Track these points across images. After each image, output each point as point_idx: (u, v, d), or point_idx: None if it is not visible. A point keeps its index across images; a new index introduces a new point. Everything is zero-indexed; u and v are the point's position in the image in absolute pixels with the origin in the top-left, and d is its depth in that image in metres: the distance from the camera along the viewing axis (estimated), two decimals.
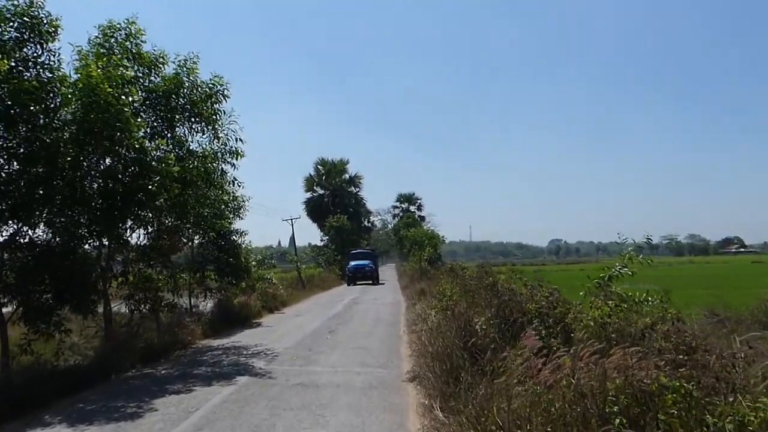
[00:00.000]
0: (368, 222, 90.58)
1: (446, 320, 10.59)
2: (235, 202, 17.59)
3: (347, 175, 60.15)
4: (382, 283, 38.81)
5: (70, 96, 9.03)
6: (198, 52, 11.81)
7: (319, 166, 60.00)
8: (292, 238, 47.81)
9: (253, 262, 19.46)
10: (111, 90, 8.99)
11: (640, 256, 9.71)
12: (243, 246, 18.36)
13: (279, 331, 14.51)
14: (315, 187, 60.39)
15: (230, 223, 17.23)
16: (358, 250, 45.25)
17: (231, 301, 18.42)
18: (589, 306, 7.64)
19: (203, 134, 12.34)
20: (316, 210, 58.60)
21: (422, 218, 78.77)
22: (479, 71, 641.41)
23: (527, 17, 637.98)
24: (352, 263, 40.18)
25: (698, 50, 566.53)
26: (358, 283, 39.06)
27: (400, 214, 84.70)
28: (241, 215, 17.88)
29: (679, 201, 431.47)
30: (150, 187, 9.83)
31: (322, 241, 53.68)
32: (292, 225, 52.38)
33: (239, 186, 14.57)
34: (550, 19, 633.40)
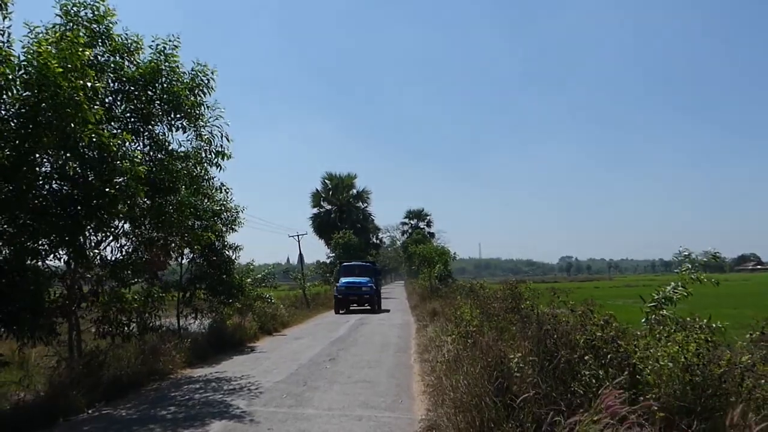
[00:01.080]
0: (377, 239, 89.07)
1: (466, 351, 8.87)
2: (228, 213, 16.03)
3: (355, 190, 58.64)
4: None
5: (12, 77, 7.45)
6: (179, 35, 10.25)
7: (326, 181, 58.56)
8: (300, 255, 46.20)
9: (249, 280, 17.77)
10: (62, 70, 7.41)
11: (695, 273, 8.05)
12: (236, 262, 16.68)
13: (273, 358, 12.77)
14: (322, 203, 58.89)
15: (220, 236, 15.59)
16: (354, 263, 33.35)
17: (224, 322, 16.74)
18: (655, 338, 5.93)
19: (185, 132, 10.77)
20: (323, 226, 57.01)
21: (432, 234, 77.15)
22: (489, 88, 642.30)
23: (537, 34, 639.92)
24: (344, 280, 29.44)
25: (709, 65, 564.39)
26: (351, 309, 29.49)
27: (409, 230, 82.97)
28: (234, 227, 16.28)
29: (693, 217, 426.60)
30: (108, 189, 8.18)
31: (328, 257, 52.01)
32: (299, 241, 50.68)
33: (227, 192, 12.98)
34: (559, 35, 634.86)
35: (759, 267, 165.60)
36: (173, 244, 12.42)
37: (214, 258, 15.87)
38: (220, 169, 11.49)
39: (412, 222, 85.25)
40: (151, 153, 10.65)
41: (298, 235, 53.38)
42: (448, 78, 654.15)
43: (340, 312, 28.19)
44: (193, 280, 15.62)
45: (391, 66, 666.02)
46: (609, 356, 5.45)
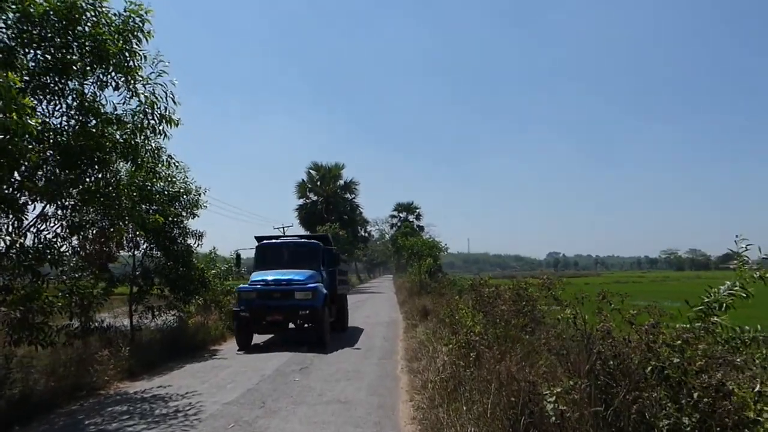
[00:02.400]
0: (365, 232, 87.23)
1: (468, 369, 6.91)
2: (188, 196, 13.92)
3: (342, 181, 56.63)
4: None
5: None
6: None
7: (312, 171, 56.45)
8: None
9: (213, 272, 15.66)
10: None
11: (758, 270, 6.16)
12: (196, 252, 14.55)
13: (233, 367, 10.71)
14: (308, 194, 56.79)
15: (177, 221, 13.47)
16: (283, 240, 16.73)
17: (185, 322, 14.66)
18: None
19: (116, 89, 8.65)
20: (309, 218, 54.88)
21: (421, 228, 75.23)
22: (479, 84, 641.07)
23: (527, 31, 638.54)
24: (260, 276, 14.33)
25: (696, 64, 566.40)
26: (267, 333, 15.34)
27: (398, 223, 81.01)
28: (195, 212, 14.17)
29: (678, 215, 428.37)
30: None
31: None
32: (284, 233, 48.75)
33: (176, 166, 10.88)
34: (549, 33, 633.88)
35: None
36: (112, 231, 10.30)
37: (173, 247, 13.75)
38: (165, 137, 9.41)
39: (401, 215, 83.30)
40: (77, 116, 8.54)
41: (283, 227, 51.40)
42: (437, 73, 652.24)
43: (240, 351, 13.32)
44: (146, 273, 13.48)
45: (378, 60, 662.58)
46: (701, 398, 3.46)
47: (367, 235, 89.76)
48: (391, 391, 8.64)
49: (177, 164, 11.10)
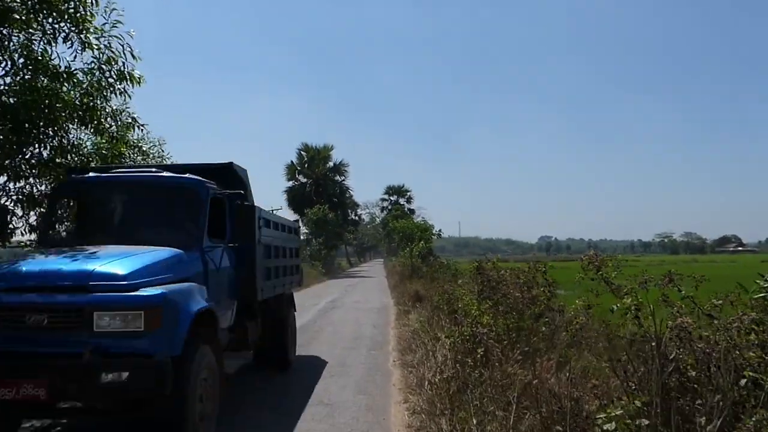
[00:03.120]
0: (355, 215, 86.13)
1: (477, 370, 5.78)
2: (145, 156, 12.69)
3: (332, 163, 55.30)
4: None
5: None
6: None
7: (302, 153, 55.02)
8: None
9: None
10: None
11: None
12: None
13: None
14: (297, 176, 55.43)
15: None
16: (116, 175, 6.35)
17: None
18: None
19: (66, 42, 7.41)
20: (297, 200, 53.56)
21: (412, 211, 74.43)
22: (469, 63, 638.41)
23: (520, 7, 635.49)
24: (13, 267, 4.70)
25: (693, 45, 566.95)
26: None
27: (389, 207, 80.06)
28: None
29: (673, 198, 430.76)
30: None
31: (303, 234, 48.62)
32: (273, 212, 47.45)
33: (141, 130, 9.64)
34: (543, 9, 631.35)
35: (740, 248, 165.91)
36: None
37: None
38: (124, 96, 8.18)
39: (392, 198, 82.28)
40: (23, 72, 7.30)
41: (272, 210, 50.05)
42: (426, 53, 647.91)
43: None
44: None
45: (366, 39, 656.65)
46: None
47: (357, 218, 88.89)
48: (382, 389, 7.50)
49: (142, 127, 9.83)
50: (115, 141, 8.78)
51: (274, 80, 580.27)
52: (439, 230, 34.13)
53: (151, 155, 12.48)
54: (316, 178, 53.91)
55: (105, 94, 8.04)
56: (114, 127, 8.89)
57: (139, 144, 12.28)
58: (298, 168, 54.77)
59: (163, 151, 12.71)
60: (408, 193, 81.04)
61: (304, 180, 54.81)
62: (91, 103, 7.86)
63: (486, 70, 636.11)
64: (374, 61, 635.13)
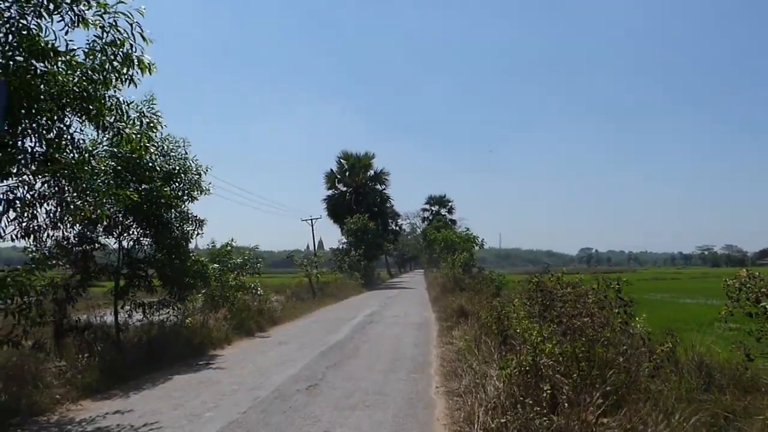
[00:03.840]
0: (396, 225, 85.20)
1: (543, 414, 4.54)
2: (187, 176, 11.83)
3: (372, 171, 54.36)
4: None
5: None
6: None
7: (342, 161, 54.32)
8: (320, 242, 42.27)
9: (215, 266, 13.55)
10: None
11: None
12: (192, 240, 12.36)
13: (223, 383, 8.51)
14: (337, 184, 54.72)
15: (169, 203, 11.34)
16: None
17: (182, 322, 12.58)
18: None
19: (56, 13, 6.48)
20: (337, 209, 52.83)
21: (453, 222, 73.08)
22: (513, 76, 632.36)
23: (565, 20, 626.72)
24: None
25: (736, 53, 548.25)
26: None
27: (430, 217, 78.85)
28: (192, 194, 12.05)
29: (713, 210, 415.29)
30: None
31: (342, 244, 47.72)
32: (312, 225, 46.86)
33: (154, 127, 8.74)
34: (588, 23, 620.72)
35: None
36: (77, 208, 8.15)
37: (167, 235, 11.67)
38: (130, 83, 7.26)
39: (433, 208, 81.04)
40: (12, 53, 6.43)
41: (311, 219, 49.33)
42: (468, 67, 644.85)
43: None
44: (132, 264, 11.41)
45: (409, 53, 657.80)
46: None
47: (398, 228, 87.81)
48: (424, 427, 6.30)
49: (158, 125, 8.87)
50: (120, 137, 7.85)
51: (318, 91, 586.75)
52: (482, 240, 32.58)
53: (172, 156, 11.65)
54: (356, 186, 53.08)
55: (107, 79, 7.11)
56: (122, 121, 7.97)
57: (162, 144, 11.58)
58: (338, 176, 54.06)
59: (186, 152, 11.86)
60: (449, 204, 79.73)
61: (344, 189, 54.05)
62: (91, 89, 6.95)
63: (530, 83, 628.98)
64: (417, 73, 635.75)
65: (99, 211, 8.73)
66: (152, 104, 11.16)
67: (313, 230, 48.48)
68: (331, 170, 54.26)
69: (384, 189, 55.52)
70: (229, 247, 16.04)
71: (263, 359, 10.63)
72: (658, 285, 41.24)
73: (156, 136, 11.43)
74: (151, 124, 11.09)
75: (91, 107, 6.93)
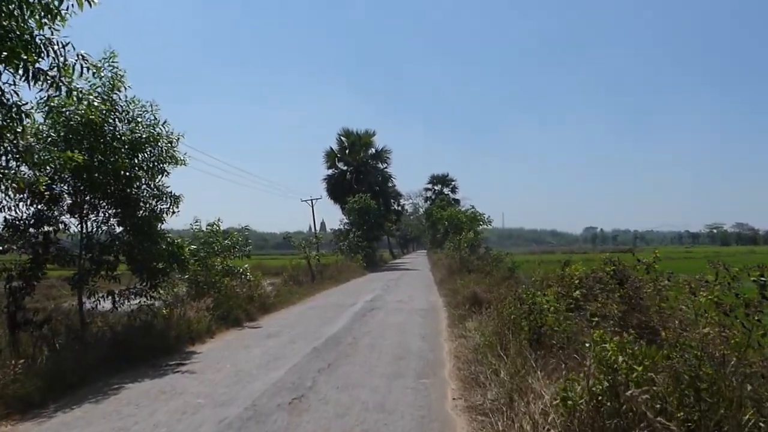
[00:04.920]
0: (398, 205, 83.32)
1: None
2: (157, 145, 10.19)
3: (373, 149, 52.38)
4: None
5: None
6: None
7: (342, 138, 52.32)
8: (322, 223, 40.68)
9: (193, 247, 11.91)
10: None
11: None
12: (163, 219, 10.71)
13: (188, 394, 6.92)
14: (337, 163, 52.77)
15: (134, 174, 9.68)
16: None
17: (158, 313, 10.99)
18: None
19: None
20: (337, 188, 51.03)
21: (456, 201, 71.44)
22: (514, 58, 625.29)
23: (564, 3, 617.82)
24: None
25: (748, 31, 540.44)
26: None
27: (433, 197, 77.04)
28: (164, 167, 10.42)
29: (722, 188, 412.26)
30: None
31: (343, 225, 46.09)
32: (312, 206, 45.25)
33: (115, 87, 7.11)
34: (586, 4, 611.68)
35: None
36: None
37: (134, 214, 10.03)
38: (58, 20, 5.59)
39: (435, 188, 79.14)
40: None
41: (311, 200, 47.60)
42: (472, 47, 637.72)
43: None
44: (91, 247, 9.79)
45: (412, 33, 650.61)
46: None
47: (400, 208, 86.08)
48: None
49: (118, 83, 7.16)
50: (60, 91, 6.20)
51: (320, 71, 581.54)
52: (489, 218, 30.80)
53: (140, 123, 9.99)
54: (357, 165, 51.23)
55: (32, 9, 5.44)
56: (64, 72, 6.29)
57: (127, 109, 9.92)
58: (338, 155, 52.15)
59: (156, 118, 10.18)
60: (453, 183, 77.90)
61: (344, 167, 52.20)
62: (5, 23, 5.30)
63: (532, 59, 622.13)
64: (419, 53, 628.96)
65: (37, 176, 7.13)
66: (113, 62, 9.69)
67: (313, 211, 46.68)
68: (331, 148, 52.34)
69: (386, 168, 53.69)
70: (215, 227, 14.41)
71: (245, 358, 9.04)
72: (673, 265, 39.54)
73: (120, 98, 9.91)
74: (112, 84, 9.50)
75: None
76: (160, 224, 10.66)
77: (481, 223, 30.62)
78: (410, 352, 9.42)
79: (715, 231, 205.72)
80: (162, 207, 10.74)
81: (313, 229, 48.09)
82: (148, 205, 10.51)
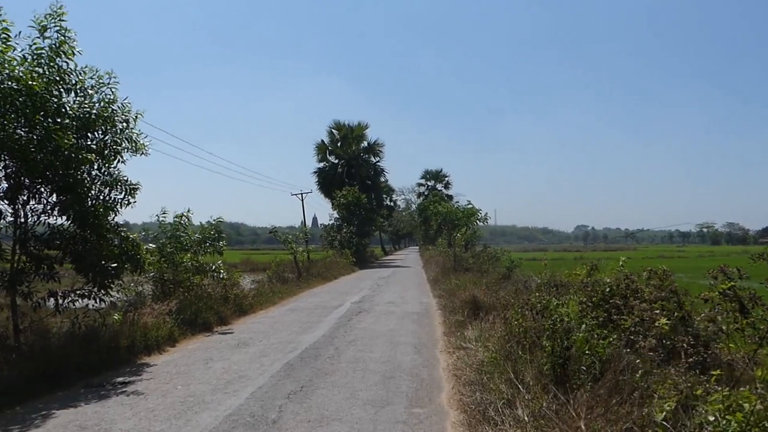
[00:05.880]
0: (390, 200, 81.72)
1: None
2: (112, 125, 8.71)
3: (366, 142, 50.72)
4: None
5: None
6: None
7: (333, 131, 50.64)
8: (314, 218, 39.06)
9: (151, 246, 10.38)
10: None
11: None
12: (116, 211, 9.19)
13: (121, 427, 5.44)
14: (329, 156, 51.09)
15: (78, 156, 8.14)
16: None
17: (108, 317, 9.48)
18: None
19: None
20: (328, 182, 49.37)
21: (450, 197, 69.96)
22: (507, 53, 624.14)
23: None
24: None
25: (738, 30, 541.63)
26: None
27: (426, 192, 75.69)
28: (118, 148, 8.93)
29: (713, 188, 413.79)
30: None
31: (333, 219, 44.49)
32: (302, 200, 43.73)
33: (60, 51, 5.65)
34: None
35: None
36: None
37: (78, 203, 8.49)
38: None
39: (429, 183, 77.74)
40: None
41: (301, 194, 46.01)
42: (465, 40, 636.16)
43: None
44: (24, 241, 8.26)
45: (404, 24, 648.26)
46: None
47: (392, 204, 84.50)
48: None
49: (64, 46, 5.63)
50: None
51: (312, 65, 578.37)
52: (486, 214, 29.29)
53: (88, 96, 8.49)
54: (349, 158, 49.61)
55: None
56: None
57: (78, 79, 8.42)
58: (329, 147, 50.45)
59: (113, 93, 8.69)
60: (446, 178, 76.57)
61: (336, 161, 50.57)
62: None
63: (524, 57, 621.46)
64: (411, 47, 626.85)
65: None
66: (60, 20, 8.21)
67: (303, 205, 44.99)
68: (322, 141, 50.64)
69: (378, 161, 52.06)
70: (184, 219, 12.88)
71: (202, 377, 7.55)
72: (669, 264, 38.32)
73: (68, 66, 8.42)
74: (58, 47, 7.95)
75: None
76: (113, 215, 9.16)
77: (477, 220, 29.09)
78: (401, 369, 7.97)
79: (705, 230, 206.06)
80: (116, 197, 9.23)
81: (307, 224, 46.52)
82: (98, 194, 9.00)
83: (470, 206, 28.95)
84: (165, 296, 12.03)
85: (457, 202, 58.17)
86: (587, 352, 5.46)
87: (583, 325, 5.55)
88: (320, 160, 51.19)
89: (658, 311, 6.05)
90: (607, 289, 6.71)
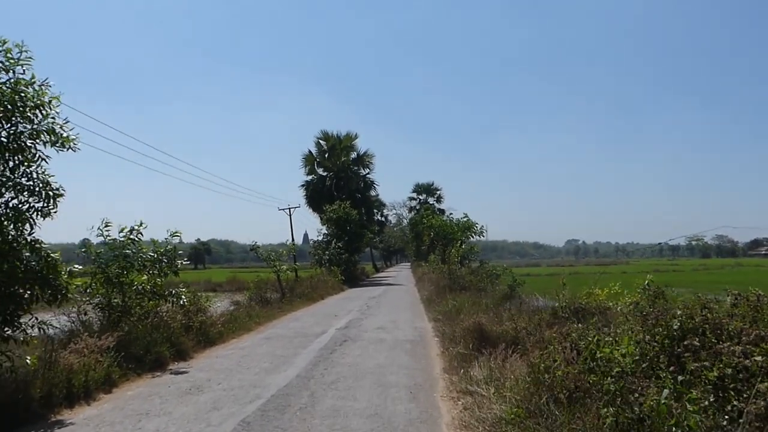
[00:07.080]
0: (381, 215, 79.79)
1: None
2: (23, 110, 6.84)
3: (355, 153, 48.85)
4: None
5: None
6: None
7: (321, 142, 48.78)
8: (305, 234, 37.20)
9: (78, 266, 8.35)
10: None
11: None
12: (38, 220, 7.31)
13: None
14: (317, 168, 49.20)
15: None
16: None
17: (18, 360, 7.50)
18: None
19: None
20: (316, 196, 47.44)
21: (442, 211, 68.15)
22: (496, 68, 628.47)
23: (547, 14, 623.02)
24: None
25: (722, 46, 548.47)
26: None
27: (417, 207, 73.92)
28: (35, 141, 7.07)
29: (702, 200, 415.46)
30: None
31: (321, 234, 42.41)
32: (290, 215, 41.88)
33: None
34: (568, 16, 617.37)
35: None
36: None
37: None
38: None
39: (420, 197, 76.00)
40: None
41: (289, 208, 44.12)
42: (454, 56, 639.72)
43: None
44: None
45: (394, 41, 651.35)
46: None
47: (383, 219, 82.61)
48: None
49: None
50: None
51: (300, 79, 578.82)
52: (482, 227, 27.48)
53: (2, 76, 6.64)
54: (337, 170, 47.72)
55: None
56: None
57: None
58: (317, 159, 48.56)
59: (24, 72, 6.84)
60: (438, 192, 75.00)
61: (324, 173, 48.68)
62: None
63: (515, 73, 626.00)
64: (401, 63, 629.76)
65: None
66: None
67: (291, 220, 43.14)
68: (310, 152, 48.75)
69: (368, 174, 50.23)
70: (135, 234, 10.94)
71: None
72: (665, 278, 36.65)
73: None
74: None
75: None
76: (28, 228, 7.25)
77: (474, 234, 27.31)
78: (392, 427, 6.05)
79: (694, 243, 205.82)
80: (34, 204, 7.34)
81: (294, 240, 44.47)
82: (8, 201, 7.11)
83: (466, 219, 27.14)
84: (112, 326, 10.07)
85: (450, 215, 56.41)
86: (673, 427, 3.59)
87: (666, 390, 3.68)
88: (308, 173, 49.35)
89: (759, 357, 4.24)
90: (677, 324, 4.85)
